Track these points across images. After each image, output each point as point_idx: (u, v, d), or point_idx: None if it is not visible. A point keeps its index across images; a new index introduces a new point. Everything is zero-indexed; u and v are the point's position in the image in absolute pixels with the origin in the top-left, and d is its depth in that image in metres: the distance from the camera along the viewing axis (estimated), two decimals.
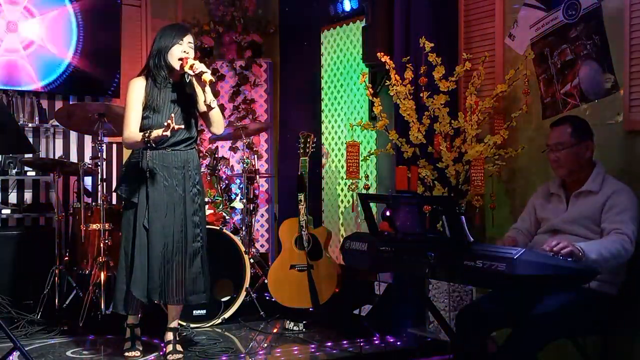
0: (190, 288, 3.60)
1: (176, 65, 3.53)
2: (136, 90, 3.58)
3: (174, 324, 3.74)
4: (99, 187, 4.49)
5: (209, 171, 4.81)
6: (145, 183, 3.57)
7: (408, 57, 4.10)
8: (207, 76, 3.44)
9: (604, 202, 2.94)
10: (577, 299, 2.77)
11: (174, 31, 3.60)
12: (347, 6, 5.25)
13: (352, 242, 2.96)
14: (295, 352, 3.87)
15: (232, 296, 4.44)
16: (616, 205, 2.90)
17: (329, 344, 3.98)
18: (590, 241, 2.81)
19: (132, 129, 3.55)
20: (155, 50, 3.59)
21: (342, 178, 5.49)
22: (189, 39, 3.58)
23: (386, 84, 4.10)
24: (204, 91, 3.53)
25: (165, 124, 3.39)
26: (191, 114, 3.66)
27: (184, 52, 3.54)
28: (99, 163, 4.48)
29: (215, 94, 3.56)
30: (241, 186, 5.09)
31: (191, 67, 3.47)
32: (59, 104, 5.46)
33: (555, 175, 3.16)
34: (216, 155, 4.97)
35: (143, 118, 3.58)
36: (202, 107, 3.62)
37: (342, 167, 5.43)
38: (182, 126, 3.49)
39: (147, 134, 3.46)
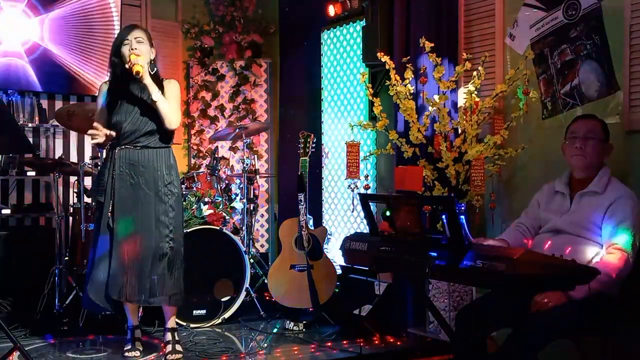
0: (154, 289, 3.55)
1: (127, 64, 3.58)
2: (100, 94, 3.70)
3: (171, 324, 3.73)
4: None
5: (209, 171, 4.81)
6: (112, 182, 3.59)
7: (408, 57, 4.11)
8: (136, 67, 3.48)
9: (608, 205, 2.94)
10: (577, 299, 2.77)
11: (121, 32, 3.71)
12: (332, 12, 5.24)
13: (352, 242, 2.95)
14: (295, 352, 3.87)
15: (232, 296, 4.44)
16: (618, 213, 2.91)
17: (329, 344, 3.99)
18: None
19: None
20: (110, 53, 3.68)
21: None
22: (136, 34, 3.60)
23: (386, 84, 4.10)
24: (146, 86, 3.55)
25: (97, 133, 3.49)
26: (152, 110, 3.62)
27: (132, 49, 3.57)
28: (99, 163, 4.48)
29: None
30: (241, 186, 5.09)
31: (130, 61, 3.51)
32: (59, 104, 5.46)
33: (571, 165, 3.15)
34: (216, 155, 4.96)
35: (110, 120, 3.62)
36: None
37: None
38: (112, 132, 3.53)
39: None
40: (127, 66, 3.52)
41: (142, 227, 3.57)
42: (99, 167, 4.50)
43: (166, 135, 3.68)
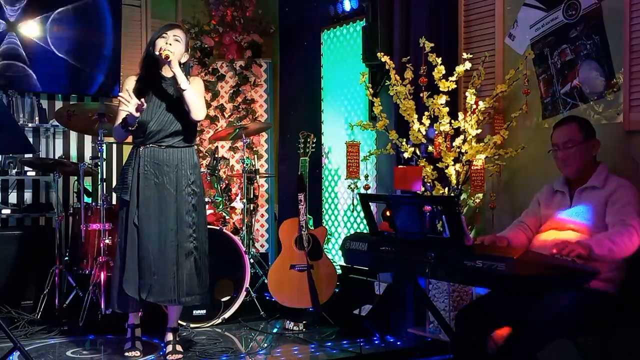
0: (183, 289, 3.58)
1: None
2: (126, 87, 3.62)
3: (174, 324, 3.74)
4: (99, 187, 4.49)
5: (209, 171, 4.81)
6: (137, 181, 3.58)
7: (408, 57, 4.10)
8: (165, 52, 3.49)
9: (608, 197, 2.95)
10: (577, 298, 2.77)
11: (163, 26, 3.70)
12: (347, 6, 5.24)
13: (352, 242, 2.95)
14: (295, 352, 3.87)
15: (232, 296, 4.44)
16: (620, 199, 2.91)
17: (329, 344, 3.99)
18: (597, 235, 2.81)
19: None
20: (147, 44, 3.71)
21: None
22: (174, 32, 3.61)
23: (386, 84, 4.10)
24: (175, 74, 3.53)
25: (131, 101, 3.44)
26: (181, 110, 3.62)
27: (166, 43, 3.57)
28: (99, 163, 4.48)
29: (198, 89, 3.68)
30: (241, 186, 5.09)
31: (160, 48, 3.53)
32: (59, 104, 5.46)
33: (562, 174, 3.17)
34: (216, 155, 4.97)
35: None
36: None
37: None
38: (143, 100, 3.48)
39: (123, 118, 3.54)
40: (157, 53, 3.53)
41: (166, 227, 3.58)
42: (98, 165, 4.51)
43: (190, 134, 3.68)
